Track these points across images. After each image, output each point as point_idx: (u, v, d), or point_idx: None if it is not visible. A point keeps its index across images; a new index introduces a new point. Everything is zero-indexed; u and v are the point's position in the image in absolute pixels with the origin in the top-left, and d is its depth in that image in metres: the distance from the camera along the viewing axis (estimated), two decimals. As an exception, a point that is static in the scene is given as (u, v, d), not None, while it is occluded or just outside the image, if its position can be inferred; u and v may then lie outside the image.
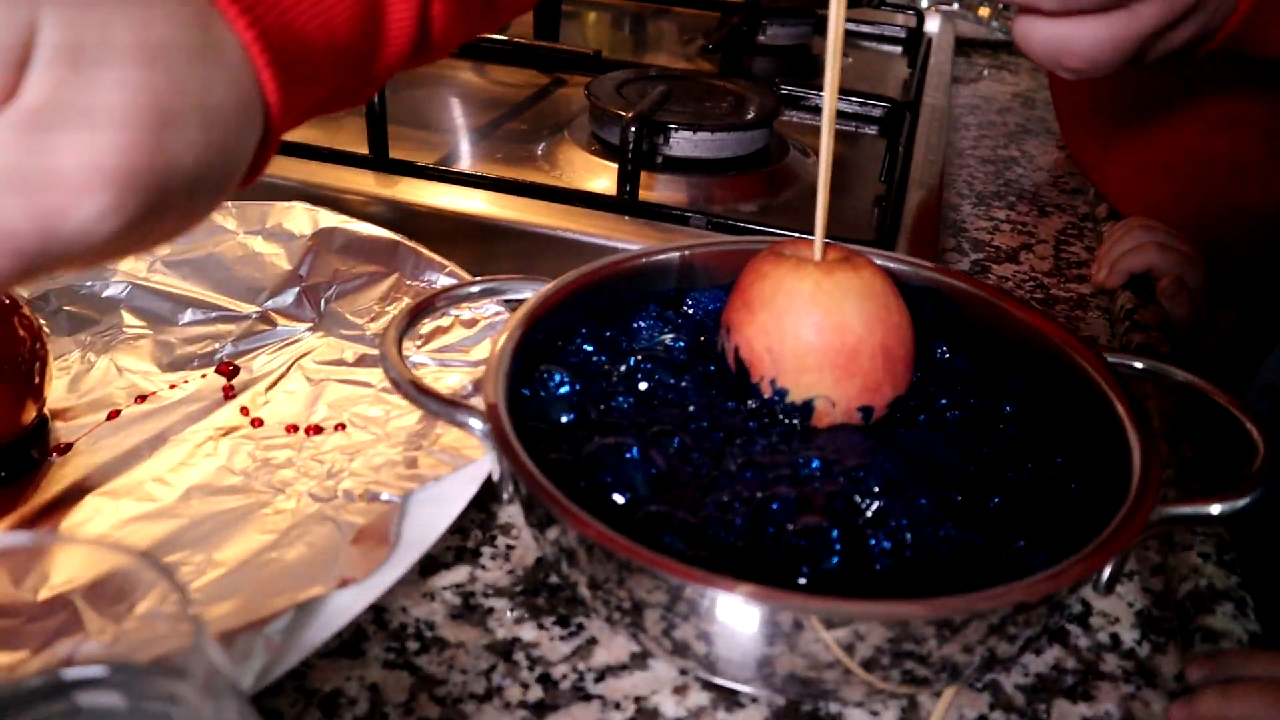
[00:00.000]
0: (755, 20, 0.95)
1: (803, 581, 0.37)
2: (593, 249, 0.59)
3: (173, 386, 0.51)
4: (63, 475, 0.46)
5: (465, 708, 0.37)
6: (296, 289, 0.55)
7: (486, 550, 0.44)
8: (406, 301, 0.53)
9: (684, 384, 0.46)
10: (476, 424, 0.39)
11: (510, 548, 0.45)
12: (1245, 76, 0.68)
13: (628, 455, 0.42)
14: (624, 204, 0.61)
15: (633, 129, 0.60)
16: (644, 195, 0.64)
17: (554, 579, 0.43)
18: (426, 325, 0.52)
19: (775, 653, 0.35)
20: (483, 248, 0.62)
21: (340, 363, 0.52)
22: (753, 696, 0.39)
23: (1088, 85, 0.80)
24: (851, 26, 1.06)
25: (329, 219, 0.57)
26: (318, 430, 0.48)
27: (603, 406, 0.45)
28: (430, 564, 0.43)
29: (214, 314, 0.55)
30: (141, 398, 0.50)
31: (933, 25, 1.11)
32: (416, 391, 0.40)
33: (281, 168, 0.65)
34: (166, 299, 0.55)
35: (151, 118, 0.27)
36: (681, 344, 0.49)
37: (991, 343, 0.49)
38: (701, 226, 0.60)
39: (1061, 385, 0.46)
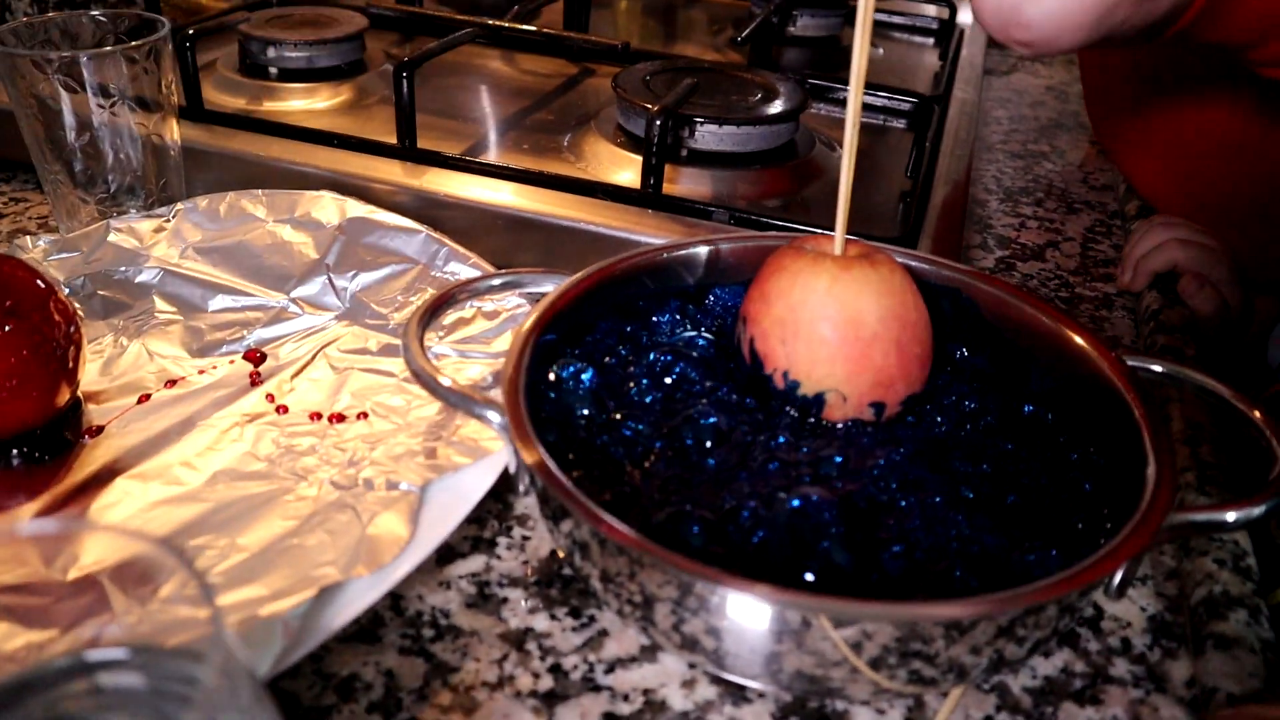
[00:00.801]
0: (786, 11, 0.94)
1: (811, 578, 0.38)
2: (616, 242, 0.59)
3: (201, 372, 0.52)
4: (94, 457, 0.47)
5: (477, 695, 0.38)
6: (323, 278, 0.56)
7: (503, 541, 0.45)
8: (430, 292, 0.54)
9: (704, 379, 0.47)
10: (494, 417, 0.40)
11: (526, 539, 0.45)
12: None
13: (643, 449, 0.43)
14: (648, 197, 0.61)
15: (658, 122, 0.60)
16: (669, 188, 0.64)
17: (567, 571, 0.44)
18: (449, 316, 0.53)
19: (783, 650, 0.35)
20: (508, 238, 0.63)
21: (364, 352, 0.53)
22: (760, 692, 0.39)
23: (1117, 70, 0.80)
24: (883, 17, 1.06)
25: (356, 209, 0.57)
26: (341, 418, 0.49)
27: (621, 400, 0.45)
28: (447, 553, 0.44)
29: (243, 301, 0.56)
30: (171, 382, 0.51)
31: (965, 16, 1.10)
32: (436, 384, 0.41)
33: (311, 156, 0.66)
34: (197, 285, 0.56)
35: None
36: (703, 340, 0.50)
37: (1011, 343, 0.49)
38: (725, 221, 0.60)
39: (1081, 387, 0.46)
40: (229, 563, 0.40)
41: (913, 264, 0.50)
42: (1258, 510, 0.38)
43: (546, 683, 0.39)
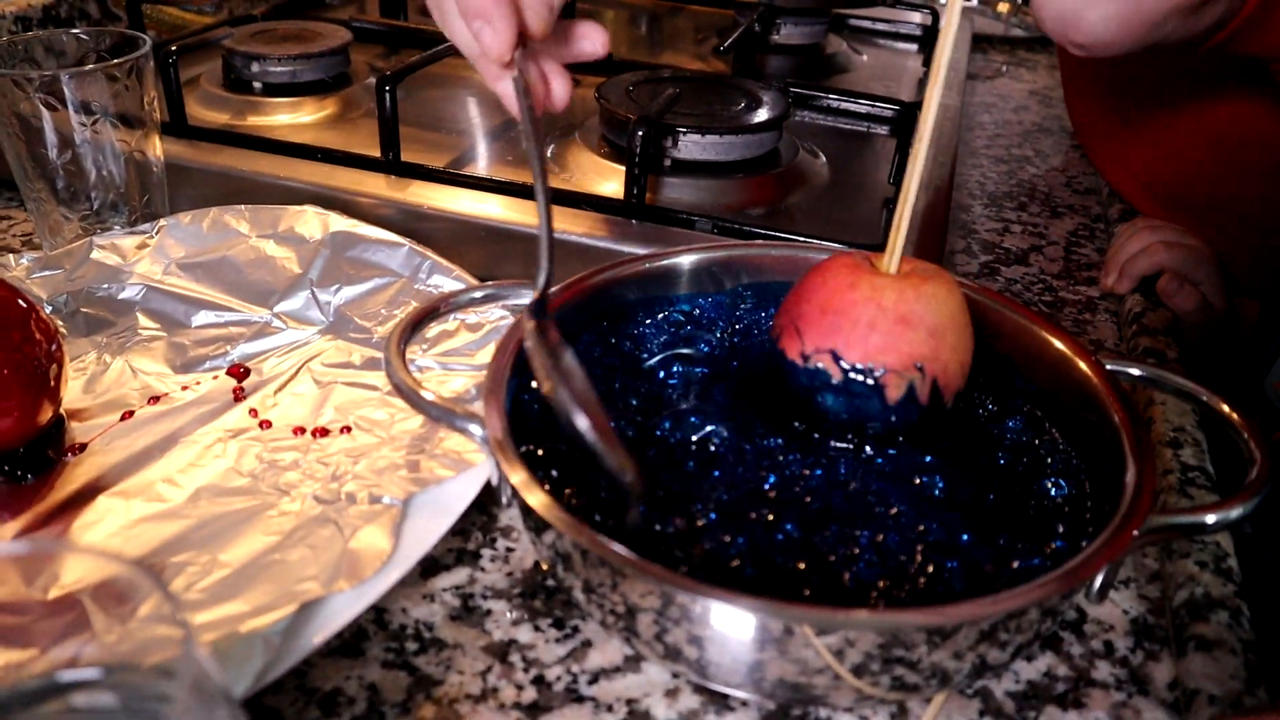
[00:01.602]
0: (769, 20, 0.95)
1: (790, 582, 0.38)
2: (600, 252, 0.59)
3: (185, 388, 0.52)
4: (77, 475, 0.47)
5: (461, 708, 0.38)
6: (307, 292, 0.56)
7: (486, 553, 0.45)
8: (414, 305, 0.54)
9: (689, 388, 0.47)
10: (476, 430, 0.40)
11: (510, 550, 0.45)
12: (1252, 65, 0.68)
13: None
14: (631, 208, 0.62)
15: (640, 132, 0.60)
16: (652, 198, 0.64)
17: (551, 582, 0.44)
18: (432, 329, 0.53)
19: (765, 658, 0.35)
20: (492, 250, 0.63)
21: (348, 365, 0.53)
22: (743, 700, 0.39)
23: (1099, 76, 0.80)
24: (866, 24, 1.06)
25: (339, 223, 0.58)
26: (324, 432, 0.49)
27: (606, 410, 0.45)
28: (431, 565, 0.44)
29: (226, 316, 0.56)
30: (154, 399, 0.51)
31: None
32: (418, 398, 0.41)
33: (295, 170, 0.66)
34: (180, 301, 0.56)
35: None
36: (691, 349, 0.50)
37: (993, 349, 0.49)
38: (708, 230, 0.60)
39: (1063, 391, 0.46)
40: (210, 579, 0.40)
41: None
42: (1235, 512, 0.38)
43: (530, 694, 0.39)
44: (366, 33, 0.88)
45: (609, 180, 0.66)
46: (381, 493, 0.44)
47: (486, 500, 0.46)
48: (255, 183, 0.66)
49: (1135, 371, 0.45)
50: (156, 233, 0.59)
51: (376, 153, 0.67)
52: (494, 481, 0.41)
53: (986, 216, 0.79)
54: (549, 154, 0.71)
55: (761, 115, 0.69)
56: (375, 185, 0.65)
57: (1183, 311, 0.65)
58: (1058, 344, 0.47)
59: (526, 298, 0.48)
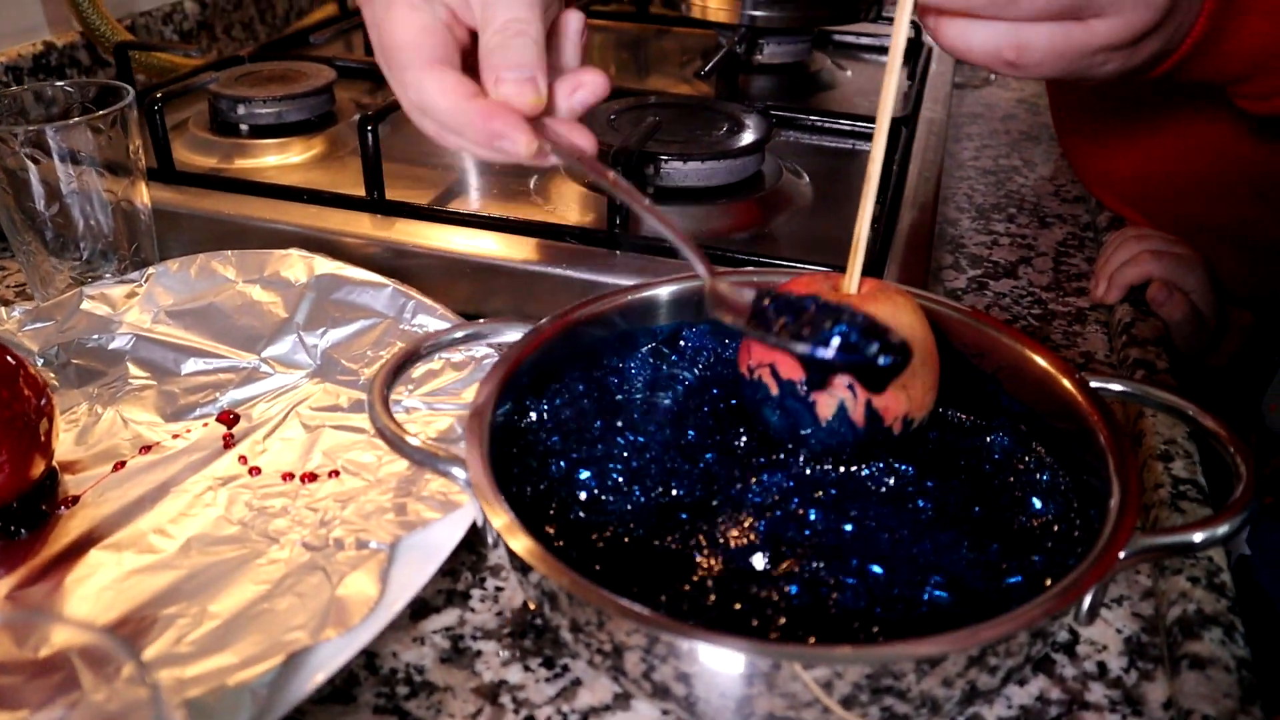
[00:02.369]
0: (752, 41, 0.95)
1: (782, 612, 0.38)
2: (584, 285, 0.60)
3: (175, 436, 0.52)
4: (70, 528, 0.47)
5: (452, 754, 0.38)
6: (294, 336, 0.57)
7: (476, 593, 0.45)
8: (399, 345, 0.54)
9: (672, 423, 0.47)
10: (459, 473, 0.40)
11: (499, 589, 0.45)
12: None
13: (610, 496, 0.43)
14: (614, 238, 0.62)
15: (620, 163, 0.61)
16: (636, 228, 0.65)
17: (539, 621, 0.44)
18: (418, 369, 0.53)
19: (753, 693, 0.35)
20: (478, 285, 0.63)
21: (335, 409, 0.53)
22: (734, 736, 0.39)
23: (1083, 86, 0.80)
24: (850, 39, 1.07)
25: (324, 265, 0.58)
26: (312, 478, 0.49)
27: (588, 446, 0.46)
28: (421, 608, 0.44)
29: (215, 363, 0.56)
30: (146, 448, 0.52)
31: (934, 35, 1.11)
32: (402, 442, 0.41)
33: (282, 213, 0.66)
34: (170, 349, 0.57)
35: None
36: (677, 380, 0.50)
37: (978, 368, 0.49)
38: (691, 258, 0.60)
39: (1048, 409, 0.46)
40: (200, 631, 0.40)
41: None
42: (1223, 529, 0.38)
43: (521, 737, 0.39)
44: (351, 71, 0.88)
45: (592, 211, 0.67)
46: (369, 537, 0.44)
47: (474, 540, 0.46)
48: (243, 226, 0.67)
49: (1118, 388, 0.45)
50: (145, 281, 0.59)
51: (362, 192, 0.67)
52: (479, 523, 0.41)
53: (975, 230, 0.79)
54: (531, 186, 0.71)
55: (744, 139, 0.70)
56: (361, 225, 0.65)
57: (1172, 320, 0.64)
58: (1041, 361, 0.47)
59: (510, 335, 0.48)
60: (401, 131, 0.80)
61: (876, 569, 0.40)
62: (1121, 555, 0.37)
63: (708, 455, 0.45)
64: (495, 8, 0.46)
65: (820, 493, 0.43)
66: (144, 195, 0.63)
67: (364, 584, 0.41)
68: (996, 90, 1.12)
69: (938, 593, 0.39)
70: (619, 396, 0.48)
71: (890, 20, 1.08)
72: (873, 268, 0.60)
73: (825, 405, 0.43)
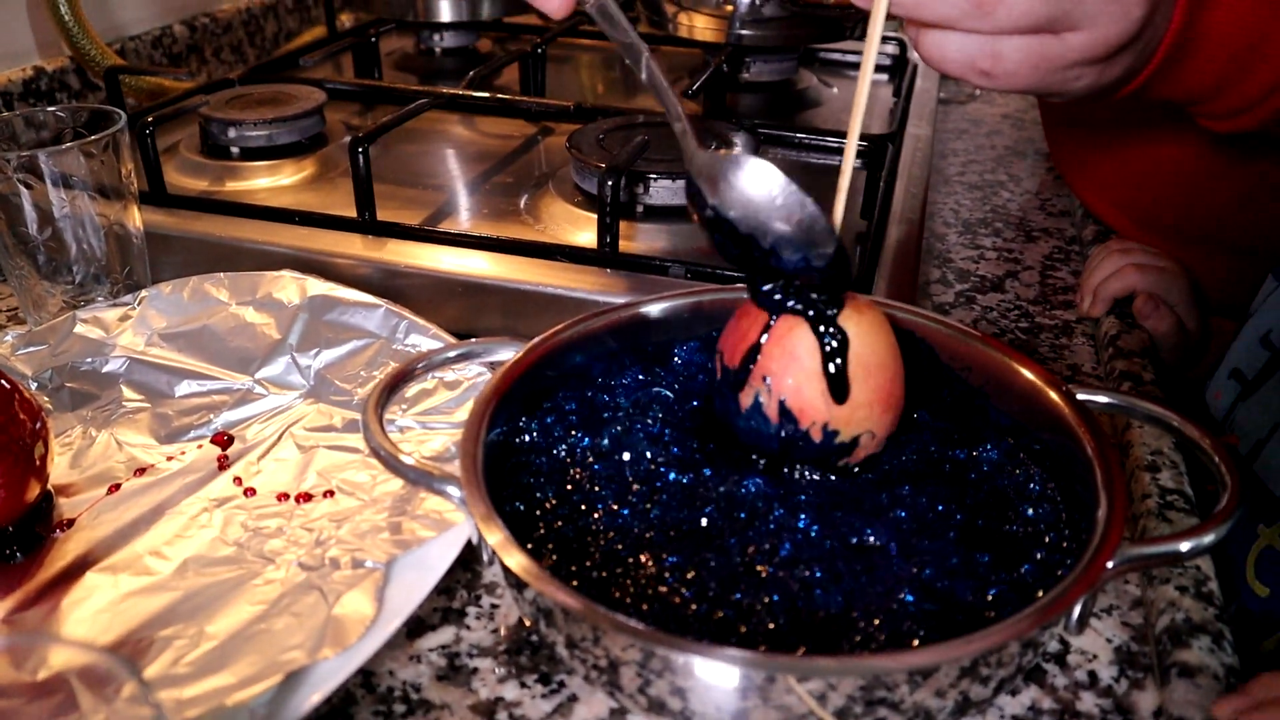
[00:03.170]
0: (738, 59, 0.96)
1: (771, 626, 0.38)
2: (575, 303, 0.60)
3: (170, 458, 0.53)
4: (66, 551, 0.47)
5: (449, 771, 0.38)
6: (287, 357, 0.57)
7: (472, 610, 0.45)
8: (392, 365, 0.55)
9: (663, 439, 0.48)
10: (454, 491, 0.41)
11: (495, 607, 0.46)
12: None
13: (604, 512, 0.43)
14: (605, 257, 0.62)
15: (609, 182, 0.61)
16: (626, 246, 0.65)
17: (535, 637, 0.44)
18: (411, 388, 0.54)
19: (749, 706, 0.36)
20: (470, 304, 0.63)
21: (329, 429, 0.53)
22: (730, 749, 0.39)
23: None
24: (836, 56, 1.08)
25: (317, 287, 0.58)
26: (307, 498, 0.49)
27: (582, 465, 0.46)
28: (417, 626, 0.45)
29: (209, 385, 0.57)
30: (140, 470, 0.52)
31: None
32: (396, 461, 0.42)
33: (274, 235, 0.67)
34: (163, 372, 0.57)
35: None
36: (665, 396, 0.50)
37: (966, 382, 0.50)
38: (680, 275, 0.61)
39: (1035, 422, 0.46)
40: (198, 652, 0.41)
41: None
42: (1209, 538, 0.38)
43: (518, 754, 0.39)
44: (341, 93, 0.89)
45: (582, 229, 0.67)
46: (364, 556, 0.44)
47: (470, 558, 0.47)
48: (235, 248, 0.67)
49: (1104, 400, 0.46)
50: (138, 304, 0.60)
51: (353, 213, 0.67)
52: (474, 541, 0.42)
53: (962, 244, 0.80)
54: (522, 205, 0.71)
55: (732, 157, 0.70)
56: (352, 246, 0.65)
57: (1158, 333, 0.65)
58: (1029, 375, 0.47)
59: (503, 354, 0.48)
60: (392, 152, 0.81)
61: (865, 580, 0.41)
62: (1110, 565, 0.37)
63: (701, 470, 0.45)
64: None
65: (810, 505, 0.44)
66: (136, 218, 0.64)
67: (360, 603, 0.41)
68: (982, 106, 1.14)
69: (927, 604, 0.40)
70: (610, 414, 0.49)
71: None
72: (861, 283, 0.61)
73: (745, 396, 0.45)
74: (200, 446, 0.53)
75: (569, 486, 0.45)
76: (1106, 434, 0.43)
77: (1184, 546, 0.38)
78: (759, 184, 0.43)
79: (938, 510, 0.44)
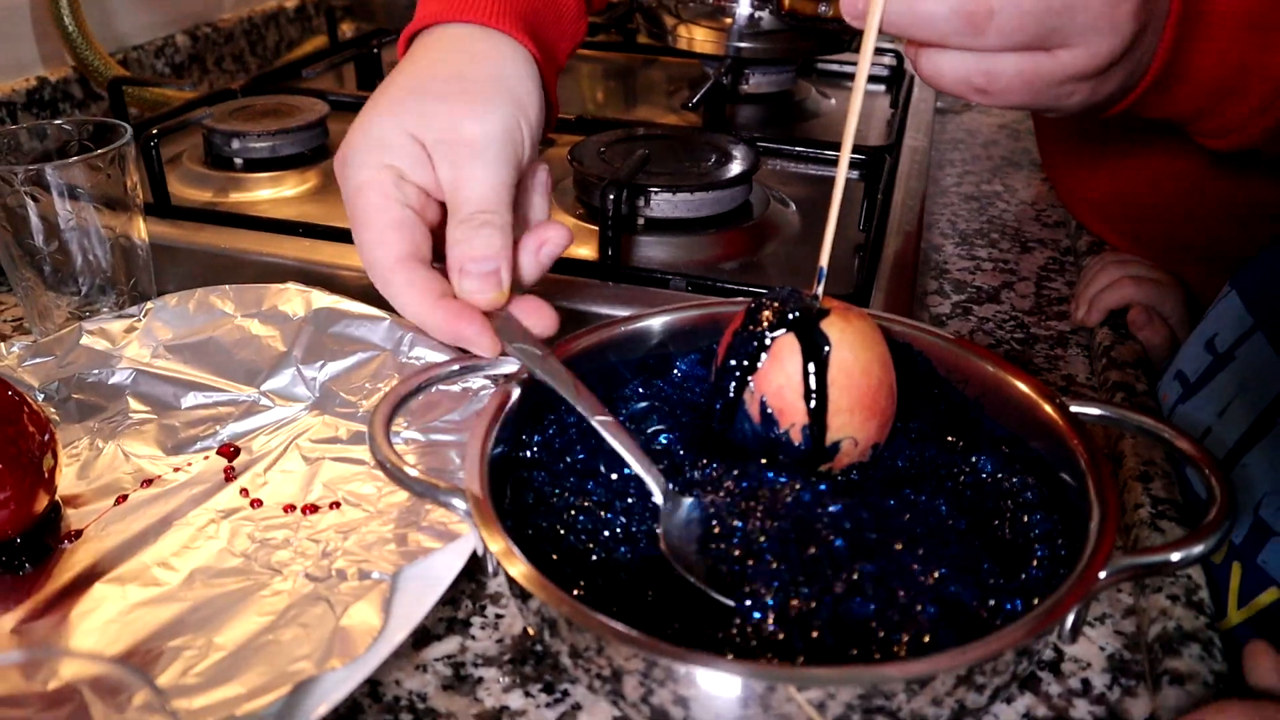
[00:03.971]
0: (738, 71, 0.97)
1: (781, 636, 0.39)
2: (578, 315, 0.61)
3: (177, 470, 0.53)
4: (74, 562, 0.48)
5: (455, 779, 0.39)
6: (293, 369, 0.58)
7: (477, 620, 0.46)
8: (396, 378, 0.55)
9: (664, 449, 0.48)
10: (459, 504, 0.41)
11: (499, 617, 0.46)
12: None
13: (607, 525, 0.44)
14: (607, 269, 0.63)
15: (611, 195, 0.62)
16: (628, 258, 0.66)
17: (539, 647, 0.45)
18: (417, 400, 0.54)
19: (749, 714, 0.36)
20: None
21: (335, 440, 0.54)
22: (731, 757, 0.40)
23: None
24: (834, 68, 1.09)
25: (322, 299, 0.59)
26: (313, 509, 0.50)
27: (584, 479, 0.47)
28: (423, 635, 0.45)
29: (215, 397, 0.57)
30: (147, 481, 0.53)
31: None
32: (402, 474, 0.42)
33: (278, 246, 0.68)
34: (169, 384, 0.58)
35: None
36: (663, 411, 0.51)
37: (963, 394, 0.50)
38: (682, 288, 0.62)
39: (1030, 434, 0.47)
40: (207, 662, 0.41)
41: (862, 322, 0.52)
42: (1199, 549, 0.39)
43: (522, 762, 0.40)
44: (343, 104, 0.90)
45: (584, 241, 0.68)
46: (371, 568, 0.45)
47: (474, 569, 0.47)
48: (240, 260, 0.68)
49: (1096, 412, 0.47)
50: (144, 316, 0.60)
51: (357, 225, 0.68)
52: (480, 552, 0.42)
53: (958, 255, 0.81)
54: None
55: (731, 170, 0.71)
56: (356, 258, 0.66)
57: (1151, 344, 0.66)
58: (1023, 387, 0.48)
59: (506, 367, 0.49)
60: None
61: (867, 587, 0.41)
62: (1102, 575, 0.38)
63: (702, 480, 0.46)
64: (464, 192, 0.50)
65: (810, 511, 0.45)
66: (141, 230, 0.65)
67: (367, 614, 0.42)
68: (978, 116, 1.15)
69: (929, 607, 0.41)
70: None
71: (875, 50, 1.11)
72: (859, 294, 0.61)
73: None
74: (207, 458, 0.54)
75: (572, 499, 0.46)
76: (1099, 446, 0.44)
77: (1175, 556, 0.39)
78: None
79: (935, 520, 0.45)
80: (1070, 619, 0.38)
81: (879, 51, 1.10)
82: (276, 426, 0.55)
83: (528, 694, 0.42)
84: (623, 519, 0.45)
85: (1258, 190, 0.67)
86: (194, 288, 0.61)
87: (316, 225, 0.69)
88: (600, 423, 0.45)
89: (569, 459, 0.48)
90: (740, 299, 0.59)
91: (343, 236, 0.68)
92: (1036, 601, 0.40)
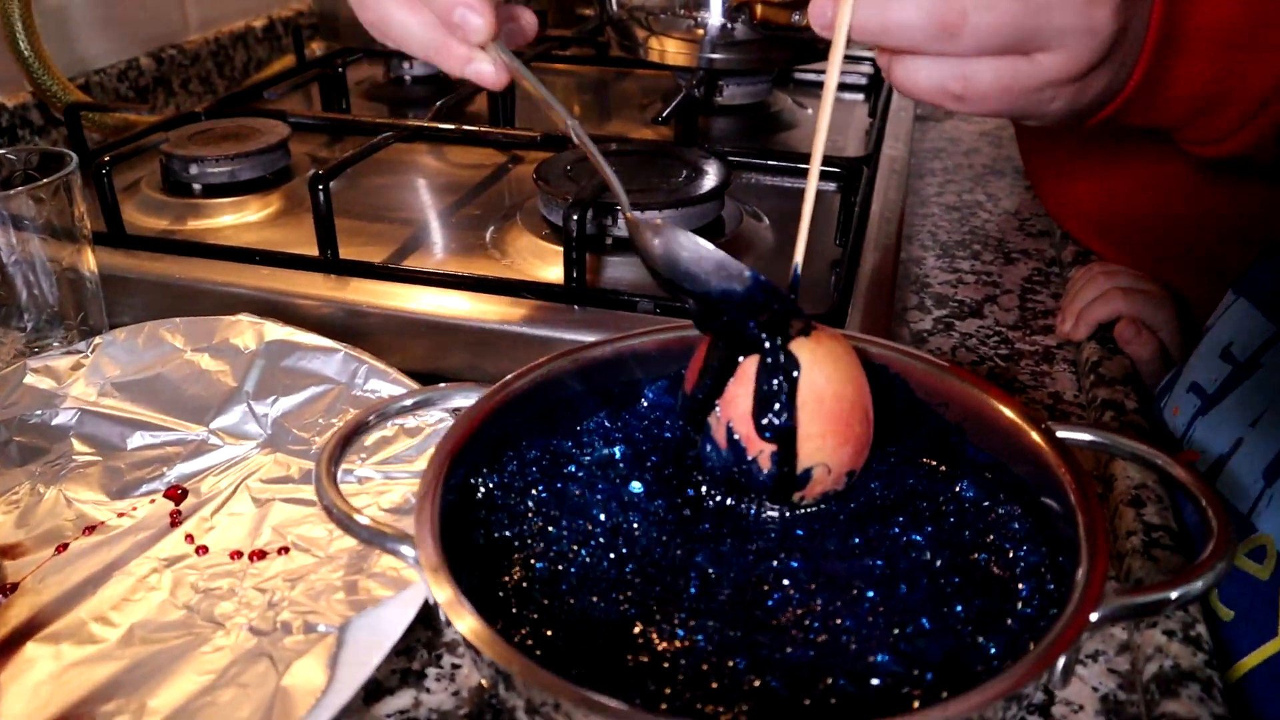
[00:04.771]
0: (711, 83, 0.95)
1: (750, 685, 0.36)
2: (541, 342, 0.59)
3: (121, 515, 0.51)
4: (9, 617, 0.45)
5: None
6: (243, 406, 0.55)
7: (432, 671, 0.43)
8: (351, 412, 0.53)
9: (625, 490, 0.46)
10: (407, 551, 0.39)
11: (456, 667, 0.44)
12: None
13: (569, 570, 0.42)
14: (572, 293, 0.61)
15: (574, 216, 0.60)
16: (595, 280, 0.64)
17: (495, 701, 0.42)
18: (371, 436, 0.52)
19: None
20: (437, 343, 0.62)
21: (286, 480, 0.52)
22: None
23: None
24: (811, 77, 1.07)
25: (274, 331, 0.56)
26: (261, 555, 0.47)
27: (545, 519, 0.44)
28: (374, 689, 0.43)
29: (162, 436, 0.55)
30: (90, 528, 0.50)
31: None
32: (349, 521, 0.40)
33: (235, 275, 0.65)
34: (115, 423, 0.55)
35: None
36: (631, 442, 0.49)
37: (943, 419, 0.48)
38: (649, 310, 0.60)
39: (1015, 461, 0.45)
40: (140, 728, 0.39)
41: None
42: (1198, 586, 0.37)
43: (477, 830, 0.37)
44: (306, 126, 0.87)
45: (550, 263, 0.65)
46: (317, 620, 0.42)
47: (430, 615, 0.45)
48: (195, 290, 0.65)
49: (1087, 438, 0.44)
50: (91, 352, 0.58)
51: (316, 251, 0.66)
52: (431, 602, 0.40)
53: (939, 268, 0.78)
54: (488, 239, 0.70)
55: (702, 186, 0.69)
56: (314, 286, 0.64)
57: (1140, 359, 0.64)
58: (1007, 412, 0.46)
59: (462, 400, 0.47)
60: (359, 185, 0.79)
61: (842, 634, 0.39)
62: (1094, 618, 0.35)
63: (666, 520, 0.44)
64: None
65: (781, 555, 0.42)
66: (90, 262, 0.62)
67: (311, 672, 0.39)
68: (959, 124, 1.13)
69: (903, 643, 0.38)
70: (574, 465, 0.47)
71: (852, 58, 1.09)
72: (835, 312, 0.59)
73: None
74: (153, 501, 0.51)
75: (532, 542, 0.43)
76: (1089, 474, 0.41)
77: (1173, 594, 0.37)
78: (675, 246, 0.43)
79: (911, 556, 0.42)
80: (1060, 664, 0.36)
81: (856, 59, 1.08)
82: (226, 466, 0.53)
83: (485, 753, 0.40)
84: (588, 560, 0.43)
85: (1251, 197, 0.65)
86: (148, 320, 0.59)
87: (274, 252, 0.66)
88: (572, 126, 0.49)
89: (532, 499, 0.46)
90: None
91: (301, 264, 0.66)
92: (1030, 645, 0.38)
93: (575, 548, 0.43)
